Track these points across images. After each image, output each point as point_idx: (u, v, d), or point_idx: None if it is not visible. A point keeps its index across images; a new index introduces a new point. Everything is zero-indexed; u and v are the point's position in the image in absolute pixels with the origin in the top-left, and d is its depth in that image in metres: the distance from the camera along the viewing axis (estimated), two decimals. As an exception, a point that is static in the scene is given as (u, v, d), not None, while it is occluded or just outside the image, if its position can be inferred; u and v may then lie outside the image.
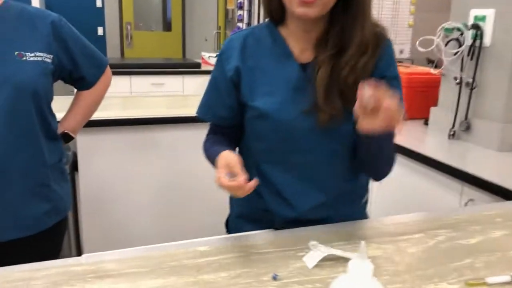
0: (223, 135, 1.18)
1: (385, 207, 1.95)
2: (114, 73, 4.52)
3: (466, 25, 1.87)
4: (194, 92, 4.48)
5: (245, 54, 1.08)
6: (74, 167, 2.29)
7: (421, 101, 2.35)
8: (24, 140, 1.28)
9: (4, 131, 1.22)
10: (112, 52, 7.31)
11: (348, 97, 0.98)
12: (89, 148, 2.26)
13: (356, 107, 0.88)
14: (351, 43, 1.00)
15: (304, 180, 1.11)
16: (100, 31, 7.13)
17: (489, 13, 1.83)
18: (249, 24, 5.13)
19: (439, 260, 0.95)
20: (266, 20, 1.13)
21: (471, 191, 1.58)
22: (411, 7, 5.44)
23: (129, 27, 7.38)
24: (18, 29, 1.28)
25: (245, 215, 1.23)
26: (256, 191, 1.13)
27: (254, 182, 0.90)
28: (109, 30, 7.22)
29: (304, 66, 1.05)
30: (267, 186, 1.14)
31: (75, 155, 2.28)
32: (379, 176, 1.14)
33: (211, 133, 1.21)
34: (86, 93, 1.54)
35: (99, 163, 2.29)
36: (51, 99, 1.40)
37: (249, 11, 5.09)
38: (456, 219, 1.17)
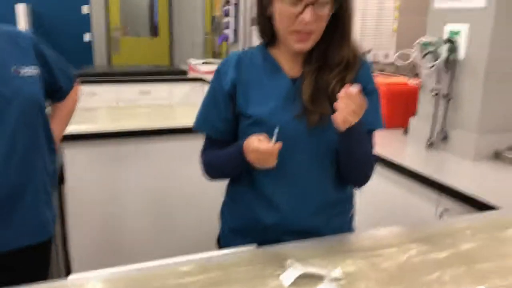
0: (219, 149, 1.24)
1: (364, 217, 2.01)
2: (101, 82, 4.51)
3: (441, 40, 1.94)
4: (181, 99, 4.52)
5: (240, 69, 1.20)
6: (61, 179, 2.31)
7: (400, 111, 2.41)
8: (34, 151, 1.36)
9: (17, 145, 1.30)
10: (99, 58, 7.31)
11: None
12: (76, 161, 2.28)
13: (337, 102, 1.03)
14: (338, 59, 1.15)
15: (296, 187, 1.19)
16: (86, 37, 7.13)
17: (463, 28, 1.89)
18: (235, 31, 5.18)
19: (409, 275, 1.01)
20: (259, 43, 1.26)
21: (446, 201, 1.64)
22: (395, 12, 5.54)
23: (116, 33, 7.38)
24: (5, 47, 1.34)
25: (237, 229, 1.28)
26: (247, 203, 1.23)
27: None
28: (96, 36, 7.22)
29: (293, 80, 1.18)
30: (259, 196, 1.21)
31: (62, 167, 2.30)
32: (359, 181, 1.24)
33: (206, 149, 1.28)
34: (62, 105, 1.62)
35: (86, 175, 2.31)
36: None
37: (236, 18, 5.14)
38: (429, 232, 1.23)
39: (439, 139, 2.03)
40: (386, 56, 5.61)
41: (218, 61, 5.09)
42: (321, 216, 1.22)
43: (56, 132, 1.60)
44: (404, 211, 1.85)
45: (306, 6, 1.07)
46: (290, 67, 1.20)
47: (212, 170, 1.26)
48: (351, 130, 1.07)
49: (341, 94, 1.02)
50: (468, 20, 1.88)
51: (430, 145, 2.06)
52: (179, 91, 4.50)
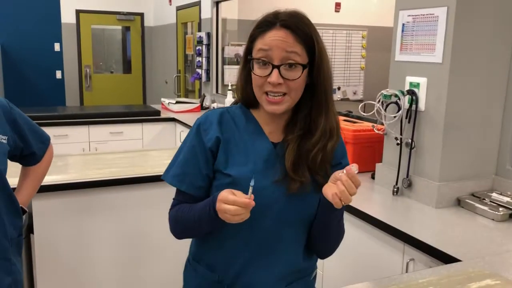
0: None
1: (334, 265, 2.04)
2: (73, 124, 4.48)
3: (402, 92, 2.03)
4: (154, 139, 4.52)
5: (221, 127, 1.19)
6: (29, 229, 2.27)
7: (367, 156, 2.48)
8: None
9: None
10: (71, 95, 7.28)
11: (316, 171, 1.14)
12: (44, 211, 2.25)
13: (335, 174, 1.06)
14: (317, 128, 1.16)
15: (263, 253, 1.18)
16: (58, 74, 7.11)
17: (422, 81, 1.99)
18: (207, 70, 5.26)
19: None
20: (235, 102, 1.28)
21: (412, 251, 1.69)
22: (362, 51, 5.75)
23: (88, 70, 7.39)
24: None
25: None
26: (210, 263, 1.23)
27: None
28: (68, 73, 7.21)
29: (274, 144, 1.19)
30: (223, 257, 1.21)
31: (30, 217, 2.26)
32: (326, 253, 1.27)
33: (176, 205, 1.23)
34: (35, 167, 1.62)
35: (55, 225, 2.28)
36: None
37: (208, 58, 5.23)
38: (393, 289, 1.27)
39: (404, 186, 2.10)
40: (355, 93, 5.81)
41: (191, 100, 5.15)
42: (284, 281, 1.22)
43: (26, 194, 1.60)
44: (373, 259, 1.89)
45: (273, 68, 1.11)
46: (271, 131, 1.21)
47: (178, 226, 1.21)
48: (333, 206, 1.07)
49: (343, 177, 1.03)
50: (426, 74, 1.98)
51: (396, 191, 2.12)
52: (151, 131, 4.52)
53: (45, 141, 1.62)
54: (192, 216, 1.17)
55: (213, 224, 1.13)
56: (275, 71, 1.10)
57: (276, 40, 1.10)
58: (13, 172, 1.63)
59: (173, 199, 1.25)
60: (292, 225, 1.19)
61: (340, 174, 1.05)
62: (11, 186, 1.60)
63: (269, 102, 1.13)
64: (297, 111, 1.19)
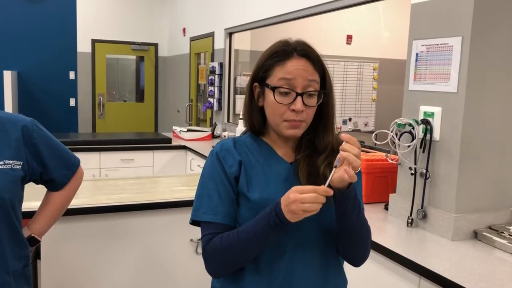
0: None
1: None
2: (84, 150, 4.49)
3: (416, 121, 2.01)
4: (164, 166, 4.52)
5: (238, 151, 1.22)
6: (37, 254, 2.24)
7: (381, 186, 2.44)
8: None
9: None
10: (84, 123, 7.36)
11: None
12: (52, 236, 2.22)
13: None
14: (325, 145, 1.21)
15: (298, 269, 1.17)
16: (72, 102, 7.21)
17: (436, 110, 1.97)
18: (219, 100, 5.29)
19: None
20: (247, 132, 1.30)
21: (428, 285, 1.63)
22: (373, 83, 5.77)
23: (101, 98, 7.48)
24: None
25: None
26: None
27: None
28: (81, 101, 7.31)
29: (289, 164, 1.23)
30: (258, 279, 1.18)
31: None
32: (357, 258, 1.23)
33: (212, 238, 1.17)
34: (55, 195, 1.55)
35: (63, 251, 2.25)
36: (19, 204, 1.42)
37: (220, 88, 5.27)
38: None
39: (419, 218, 2.04)
40: (366, 124, 5.79)
41: (203, 128, 5.17)
42: None
43: (41, 222, 1.53)
44: (386, 294, 1.83)
45: (296, 96, 1.15)
46: (283, 154, 1.24)
47: (224, 254, 1.15)
48: (348, 192, 1.07)
49: (343, 145, 1.04)
50: (441, 104, 1.96)
51: (410, 223, 2.07)
52: (162, 158, 4.52)
53: (72, 168, 1.54)
54: (245, 235, 1.12)
55: (275, 232, 1.10)
56: (299, 98, 1.15)
57: (298, 69, 1.16)
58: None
59: (204, 235, 1.19)
60: (318, 239, 1.19)
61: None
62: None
63: (290, 127, 1.17)
64: (303, 134, 1.23)
